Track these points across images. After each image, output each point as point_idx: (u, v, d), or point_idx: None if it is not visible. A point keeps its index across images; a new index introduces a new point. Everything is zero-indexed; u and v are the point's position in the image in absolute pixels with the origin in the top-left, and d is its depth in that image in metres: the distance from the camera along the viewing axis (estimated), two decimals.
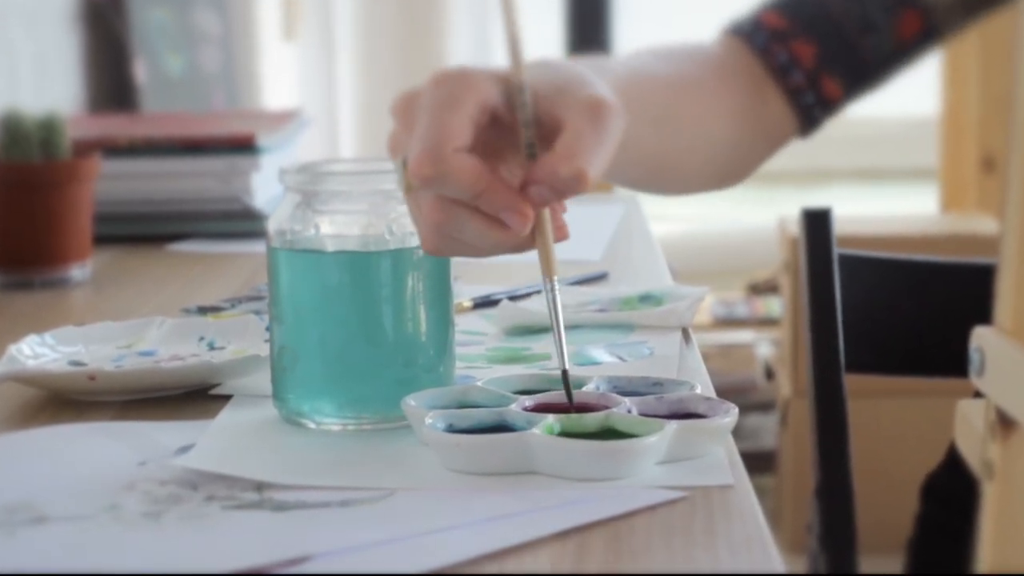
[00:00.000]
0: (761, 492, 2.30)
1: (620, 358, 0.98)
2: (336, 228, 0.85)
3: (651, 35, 3.22)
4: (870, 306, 1.30)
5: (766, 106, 1.03)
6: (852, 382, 1.26)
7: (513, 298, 1.14)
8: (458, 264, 0.89)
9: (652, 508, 0.71)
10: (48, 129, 1.30)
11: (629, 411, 0.80)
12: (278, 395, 0.86)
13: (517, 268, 1.32)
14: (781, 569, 0.64)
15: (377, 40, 2.82)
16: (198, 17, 2.54)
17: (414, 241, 0.85)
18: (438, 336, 0.86)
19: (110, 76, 2.45)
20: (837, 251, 1.28)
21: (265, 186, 1.53)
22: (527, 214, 0.78)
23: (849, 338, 1.26)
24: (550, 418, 0.78)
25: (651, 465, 0.76)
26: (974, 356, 0.60)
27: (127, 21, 2.45)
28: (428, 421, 0.78)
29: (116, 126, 1.63)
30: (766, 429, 2.92)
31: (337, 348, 0.84)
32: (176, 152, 1.51)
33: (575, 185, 0.77)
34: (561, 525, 0.68)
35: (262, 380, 0.90)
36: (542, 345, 1.03)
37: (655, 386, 0.85)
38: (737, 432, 0.80)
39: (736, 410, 0.79)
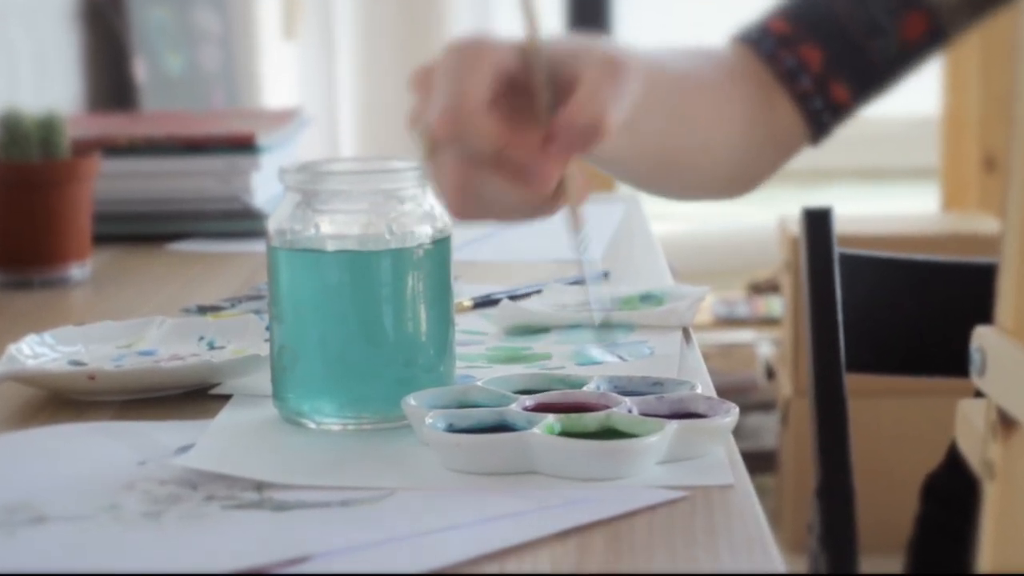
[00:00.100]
0: (762, 492, 2.29)
1: (621, 358, 0.98)
2: (336, 227, 0.85)
3: (651, 32, 3.22)
4: (871, 306, 1.29)
5: (775, 112, 1.02)
6: (853, 382, 1.26)
7: (513, 298, 1.14)
8: (458, 264, 0.89)
9: (653, 508, 0.70)
10: (48, 128, 1.30)
11: (630, 411, 0.80)
12: (278, 395, 0.86)
13: (517, 268, 1.32)
14: (782, 569, 0.64)
15: (377, 39, 2.82)
16: (198, 16, 2.54)
17: (414, 241, 0.85)
18: (438, 336, 0.86)
19: (110, 75, 2.45)
20: (838, 251, 1.28)
21: (265, 185, 1.53)
22: (549, 168, 0.78)
23: (850, 338, 1.26)
24: (550, 418, 0.78)
25: (651, 465, 0.76)
26: (975, 356, 0.60)
27: (127, 20, 2.44)
28: (428, 421, 0.78)
29: (116, 125, 1.63)
30: (767, 429, 2.92)
31: (337, 348, 0.84)
32: (176, 151, 1.51)
33: (593, 134, 0.77)
34: (561, 525, 0.68)
35: (262, 380, 0.90)
36: (542, 345, 1.03)
37: (656, 386, 0.85)
38: (738, 432, 0.80)
39: (737, 410, 0.79)
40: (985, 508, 0.59)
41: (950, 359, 1.07)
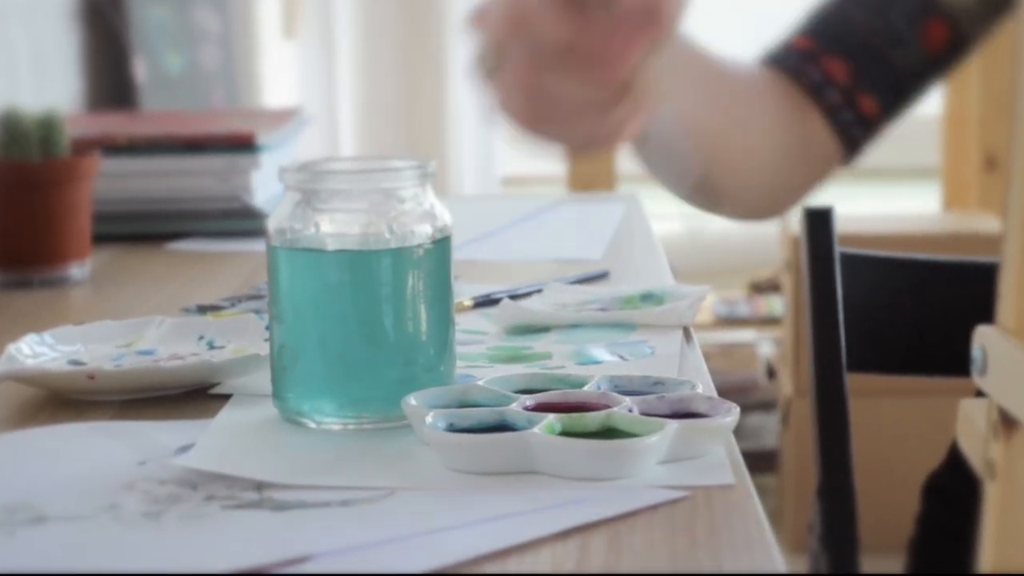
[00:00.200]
0: (762, 492, 2.29)
1: (621, 357, 0.98)
2: (336, 227, 0.85)
3: None
4: (872, 305, 1.29)
5: (807, 126, 1.01)
6: (854, 381, 1.26)
7: (514, 297, 1.14)
8: (459, 263, 0.89)
9: (653, 508, 0.70)
10: (47, 127, 1.30)
11: (630, 410, 0.79)
12: (278, 394, 0.86)
13: (517, 268, 1.32)
14: (782, 569, 0.64)
15: (377, 39, 2.82)
16: (198, 15, 2.54)
17: (414, 240, 0.84)
18: (439, 335, 0.86)
19: (109, 74, 2.45)
20: (839, 250, 1.28)
21: (265, 185, 1.53)
22: (619, 52, 0.76)
23: (851, 337, 1.26)
24: (551, 417, 0.78)
25: (652, 465, 0.75)
26: (976, 355, 0.60)
27: (126, 19, 2.44)
28: (429, 420, 0.78)
29: (115, 124, 1.63)
30: (767, 428, 2.92)
31: (337, 347, 0.84)
32: (176, 151, 1.51)
33: (657, 15, 0.75)
34: (562, 525, 0.68)
35: (262, 379, 0.90)
36: (543, 344, 1.02)
37: (656, 385, 0.85)
38: (738, 431, 0.80)
39: (737, 409, 0.79)
40: (986, 508, 0.59)
41: (951, 359, 1.07)
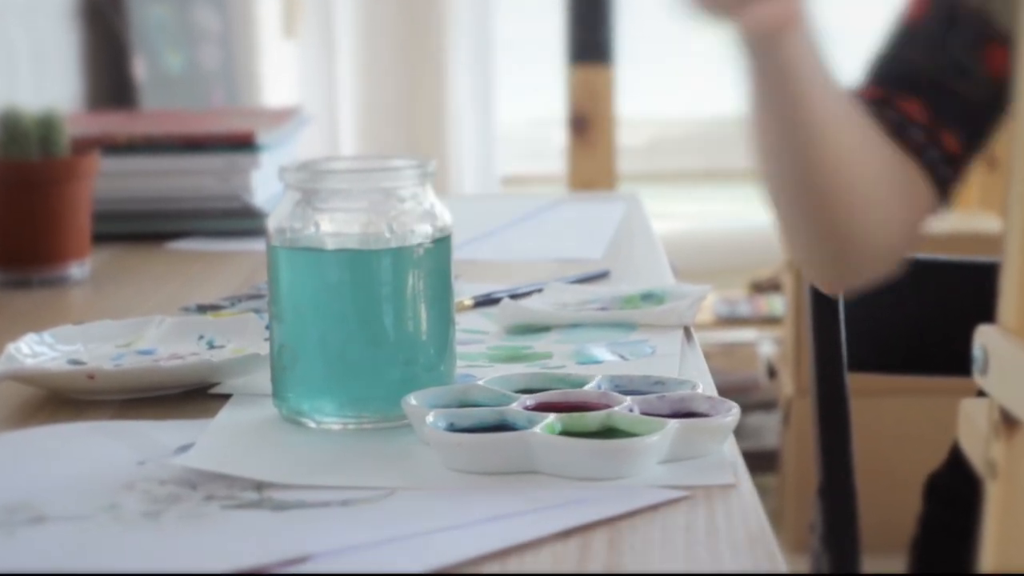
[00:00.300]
0: (763, 491, 2.29)
1: (622, 357, 0.98)
2: (336, 226, 0.84)
3: (652, 35, 3.22)
4: (872, 305, 1.29)
5: (900, 163, 0.99)
6: (854, 381, 1.26)
7: (514, 296, 1.14)
8: (459, 263, 0.89)
9: (654, 507, 0.70)
10: (47, 127, 1.30)
11: (631, 410, 0.79)
12: (278, 394, 0.86)
13: (518, 267, 1.32)
14: (783, 569, 0.64)
15: (377, 38, 2.82)
16: (198, 14, 2.53)
17: (414, 239, 0.84)
18: (439, 335, 0.86)
19: (109, 73, 2.45)
20: None
21: (265, 184, 1.53)
22: None
23: (851, 337, 1.26)
24: (551, 417, 0.77)
25: (653, 464, 0.75)
26: (977, 355, 0.60)
27: (126, 18, 2.44)
28: (429, 420, 0.78)
29: (115, 124, 1.63)
30: (768, 428, 2.92)
31: (337, 347, 0.84)
32: (175, 150, 1.51)
33: None
34: (563, 524, 0.68)
35: (262, 379, 0.89)
36: (543, 344, 1.02)
37: (657, 385, 0.84)
38: (739, 431, 0.80)
39: (738, 409, 0.79)
40: (987, 507, 0.59)
41: (952, 358, 1.07)
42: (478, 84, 2.86)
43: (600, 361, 0.97)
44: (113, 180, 1.47)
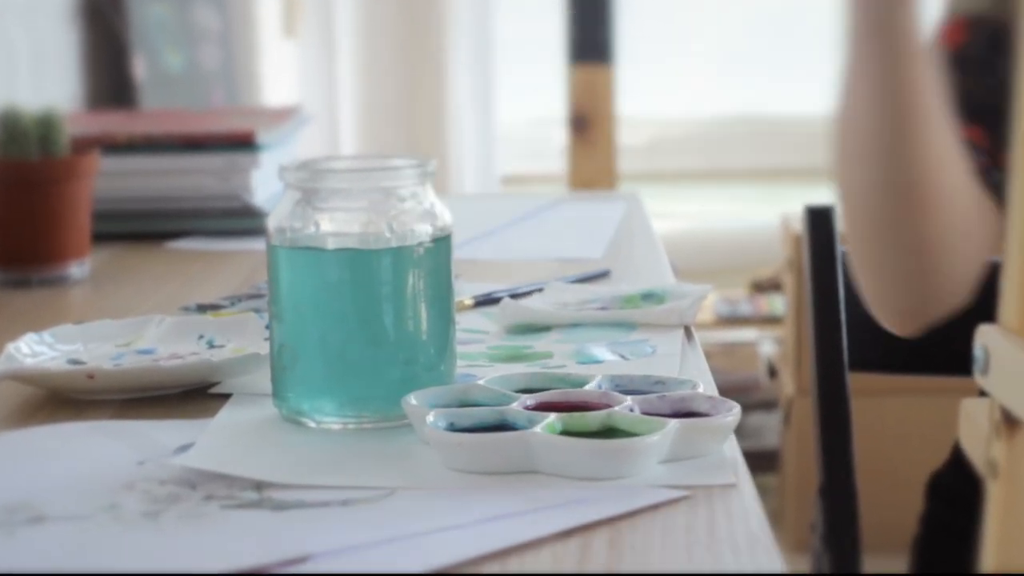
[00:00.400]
0: (764, 491, 2.28)
1: (622, 356, 0.98)
2: (336, 225, 0.84)
3: (652, 34, 3.21)
4: None
5: (972, 178, 0.98)
6: (856, 380, 1.26)
7: (514, 296, 1.13)
8: (459, 262, 0.89)
9: (654, 507, 0.70)
10: (47, 126, 1.30)
11: (631, 410, 0.79)
12: (278, 394, 0.85)
13: (518, 266, 1.32)
14: (784, 569, 0.64)
15: (377, 37, 2.82)
16: (198, 13, 2.53)
17: (414, 239, 0.84)
18: (439, 334, 0.85)
19: (109, 73, 2.45)
20: (841, 248, 1.27)
21: (265, 183, 1.53)
22: None
23: (852, 336, 1.26)
24: (552, 417, 0.77)
25: (653, 464, 0.75)
26: (978, 354, 0.60)
27: (126, 17, 2.44)
28: (429, 420, 0.78)
29: (115, 123, 1.63)
30: (769, 428, 2.92)
31: (337, 346, 0.83)
32: (175, 149, 1.51)
33: None
34: (563, 524, 0.67)
35: (262, 378, 0.89)
36: (544, 343, 1.02)
37: (657, 384, 0.84)
38: (740, 431, 0.80)
39: (739, 409, 0.79)
40: (988, 507, 0.59)
41: (953, 358, 1.07)
42: (478, 83, 2.86)
43: (600, 361, 0.97)
44: (113, 179, 1.47)
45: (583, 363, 0.96)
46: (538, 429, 0.76)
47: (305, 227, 0.84)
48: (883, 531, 1.75)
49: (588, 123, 2.92)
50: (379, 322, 0.84)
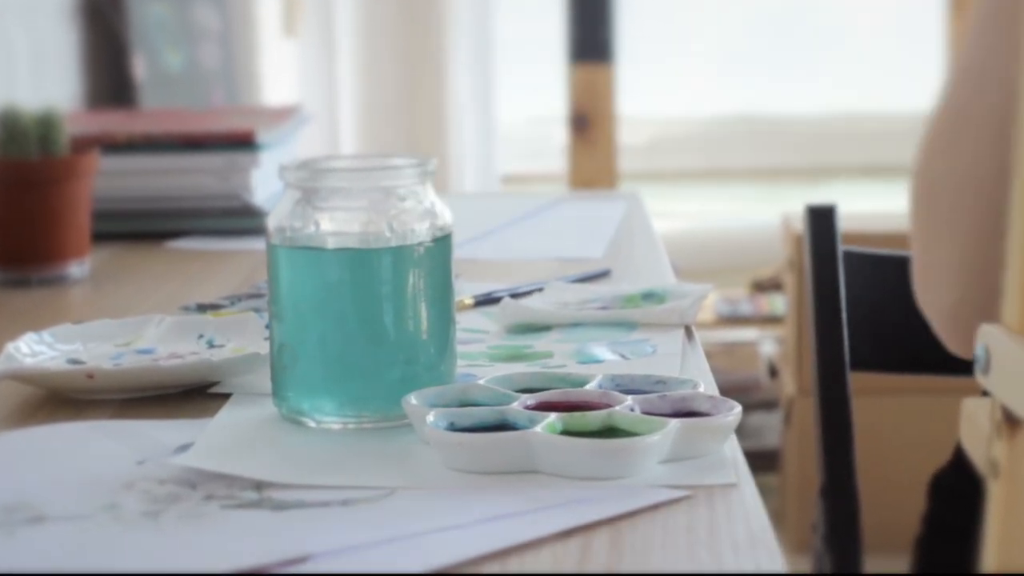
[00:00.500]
0: (765, 491, 2.28)
1: (623, 356, 0.97)
2: (336, 225, 0.84)
3: (652, 34, 3.21)
4: (875, 303, 1.29)
5: None
6: (857, 380, 1.26)
7: (515, 295, 1.13)
8: (459, 262, 0.88)
9: (655, 507, 0.70)
10: (46, 125, 1.30)
11: (632, 409, 0.79)
12: (278, 393, 0.85)
13: (518, 266, 1.32)
14: (785, 569, 0.63)
15: (377, 37, 2.82)
16: (197, 13, 2.53)
17: (415, 238, 0.84)
18: (439, 334, 0.85)
19: (109, 72, 2.45)
20: (841, 248, 1.27)
21: (265, 183, 1.52)
22: None
23: (854, 336, 1.26)
24: (552, 417, 0.77)
25: (654, 464, 0.75)
26: (979, 354, 0.60)
27: (126, 17, 2.44)
28: (429, 419, 0.78)
29: (115, 122, 1.63)
30: (770, 428, 2.92)
31: (338, 346, 0.83)
32: (175, 148, 1.51)
33: None
34: (563, 524, 0.67)
35: (262, 378, 0.89)
36: (544, 343, 1.02)
37: (658, 384, 0.84)
38: (740, 431, 0.79)
39: (739, 408, 0.79)
40: (990, 507, 0.59)
41: (955, 357, 1.07)
42: (478, 83, 2.86)
43: (601, 360, 0.97)
44: (112, 179, 1.47)
45: (583, 363, 0.96)
46: (538, 429, 0.75)
47: (305, 226, 0.84)
48: (884, 531, 1.75)
49: (588, 122, 2.92)
50: (379, 322, 0.83)
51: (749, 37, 3.29)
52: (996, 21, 0.88)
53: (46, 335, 0.99)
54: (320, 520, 0.69)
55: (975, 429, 0.76)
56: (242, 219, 1.50)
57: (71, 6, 2.29)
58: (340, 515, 0.70)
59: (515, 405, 0.80)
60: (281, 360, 0.85)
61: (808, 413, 1.38)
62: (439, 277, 0.85)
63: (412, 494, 0.73)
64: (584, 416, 0.78)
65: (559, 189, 2.94)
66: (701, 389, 0.82)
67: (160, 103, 2.43)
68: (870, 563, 1.25)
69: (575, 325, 1.06)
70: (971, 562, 0.72)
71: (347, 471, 0.76)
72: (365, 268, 0.84)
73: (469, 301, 1.13)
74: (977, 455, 0.73)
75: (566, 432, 0.76)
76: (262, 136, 1.51)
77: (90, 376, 0.90)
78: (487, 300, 1.13)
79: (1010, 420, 0.58)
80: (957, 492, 1.20)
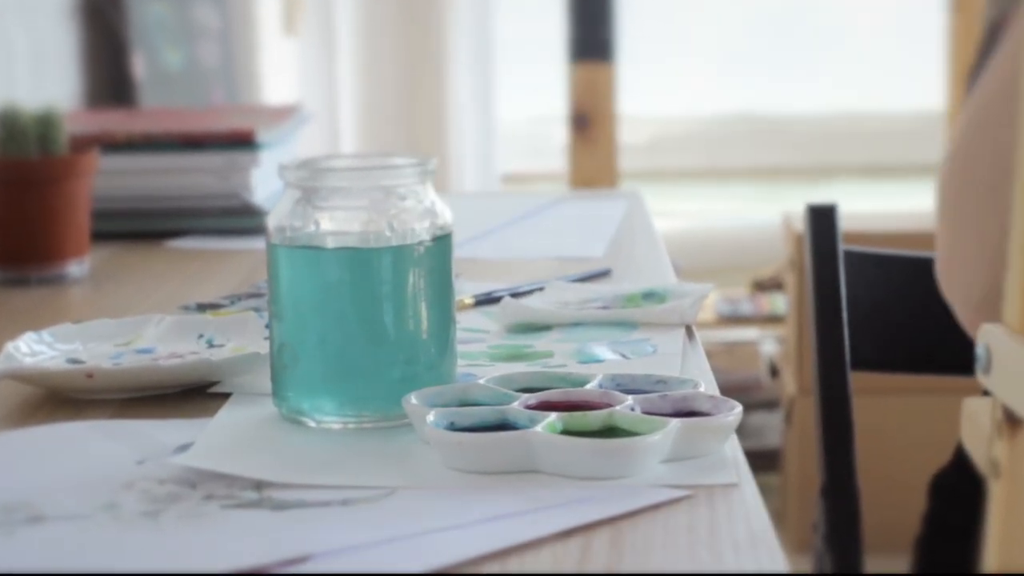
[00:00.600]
0: (765, 491, 2.28)
1: (623, 356, 0.97)
2: (336, 224, 0.84)
3: (653, 33, 3.21)
4: (876, 303, 1.29)
5: None
6: (857, 380, 1.26)
7: (515, 295, 1.13)
8: (459, 261, 0.88)
9: (656, 507, 0.70)
10: (46, 125, 1.29)
11: (632, 409, 0.79)
12: (278, 393, 0.85)
13: (518, 265, 1.32)
14: (786, 569, 0.63)
15: (378, 36, 2.82)
16: (197, 11, 2.53)
17: (415, 237, 0.84)
18: (439, 333, 0.85)
19: (108, 71, 2.45)
20: (842, 247, 1.27)
21: (265, 182, 1.52)
22: None
23: (854, 335, 1.26)
24: (553, 416, 0.77)
25: (654, 463, 0.75)
26: (980, 353, 0.59)
27: (125, 15, 2.44)
28: (430, 419, 0.78)
29: (114, 121, 1.63)
30: (771, 427, 2.92)
31: (338, 345, 0.83)
32: (175, 148, 1.50)
33: None
34: (564, 524, 0.67)
35: (262, 378, 0.89)
36: (544, 342, 1.02)
37: (658, 384, 0.84)
38: (741, 430, 0.79)
39: (740, 408, 0.79)
40: (990, 507, 0.59)
41: (955, 357, 1.07)
42: (478, 82, 2.86)
43: (601, 360, 0.97)
44: (112, 178, 1.47)
45: (584, 362, 0.96)
46: (539, 428, 0.75)
47: (305, 226, 0.84)
48: (885, 531, 1.75)
49: (589, 121, 2.92)
50: (379, 321, 0.83)
51: (749, 36, 3.29)
52: None
53: (45, 335, 0.99)
54: (320, 520, 0.69)
55: (976, 429, 0.75)
56: (242, 218, 1.50)
57: (70, 5, 2.29)
58: (340, 515, 0.70)
59: (515, 405, 0.80)
60: (281, 360, 0.85)
61: (809, 413, 1.38)
62: (439, 276, 0.85)
63: (412, 494, 0.73)
64: (585, 416, 0.78)
65: (559, 188, 2.94)
66: (702, 389, 0.82)
67: (160, 102, 2.43)
68: (871, 563, 1.25)
69: (575, 325, 1.06)
70: (972, 562, 0.72)
71: (347, 471, 0.76)
72: (365, 267, 0.84)
73: (469, 300, 1.13)
74: (978, 455, 0.73)
75: (566, 432, 0.76)
76: (262, 135, 1.51)
77: (90, 376, 0.90)
78: (487, 299, 1.13)
79: (1011, 420, 0.58)
80: (958, 492, 1.20)
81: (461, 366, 0.90)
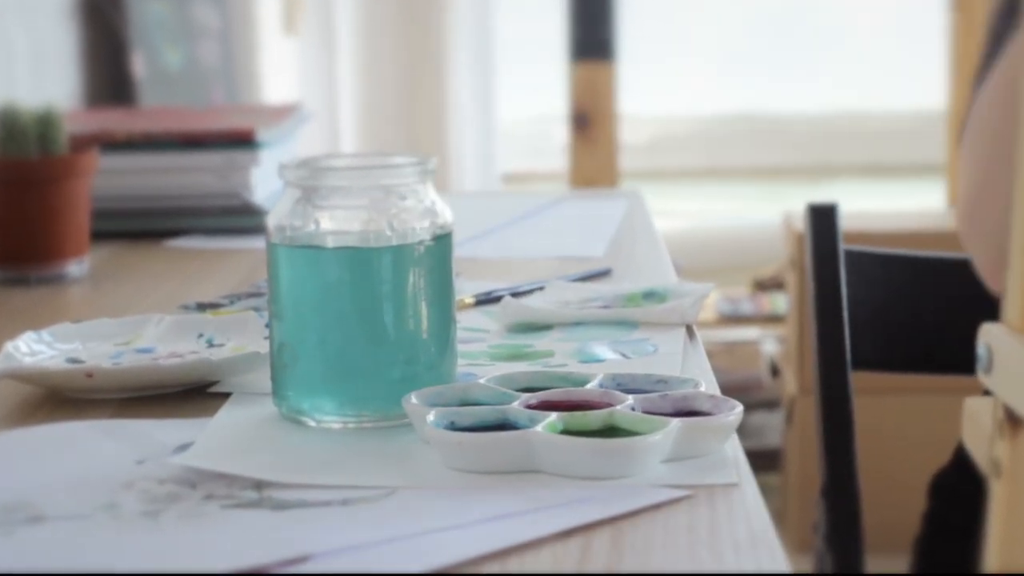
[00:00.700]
0: (766, 491, 2.29)
1: (624, 355, 0.97)
2: (336, 224, 0.84)
3: (653, 32, 3.21)
4: (876, 303, 1.29)
5: None
6: (858, 379, 1.25)
7: (515, 294, 1.13)
8: (460, 260, 0.88)
9: (656, 507, 0.70)
10: (45, 124, 1.29)
11: (633, 409, 0.79)
12: (278, 392, 0.85)
13: (519, 265, 1.32)
14: (786, 568, 0.63)
15: (378, 35, 2.82)
16: (197, 11, 2.53)
17: (415, 237, 0.84)
18: (440, 333, 0.85)
19: (108, 70, 2.45)
20: (843, 247, 1.27)
21: (265, 181, 1.52)
22: None
23: (855, 335, 1.26)
24: (553, 416, 0.77)
25: (655, 463, 0.75)
26: (981, 353, 0.59)
27: (125, 14, 2.44)
28: (430, 419, 0.78)
29: (114, 121, 1.62)
30: (771, 427, 2.91)
31: (338, 345, 0.83)
32: (174, 147, 1.50)
33: None
34: (564, 524, 0.67)
35: (262, 377, 0.89)
36: (545, 342, 1.02)
37: (659, 383, 0.84)
38: (742, 430, 0.79)
39: (741, 408, 0.78)
40: (991, 506, 0.59)
41: (956, 356, 1.07)
42: (479, 81, 2.86)
43: (602, 359, 0.97)
44: (112, 177, 1.47)
45: (584, 362, 0.96)
46: (539, 428, 0.75)
47: (305, 225, 0.84)
48: (886, 531, 1.75)
49: (589, 121, 2.92)
50: (379, 321, 0.83)
51: (750, 36, 3.29)
52: None
53: (45, 334, 0.99)
54: (320, 520, 0.69)
55: (977, 428, 0.75)
56: (242, 218, 1.50)
57: (70, 5, 2.29)
58: (340, 515, 0.70)
59: (516, 404, 0.80)
60: (281, 359, 0.85)
61: (809, 412, 1.38)
62: (439, 276, 0.85)
63: (412, 494, 0.72)
64: (585, 415, 0.78)
65: (560, 188, 2.94)
66: (702, 388, 0.82)
67: (160, 101, 2.43)
68: (871, 563, 1.25)
69: (576, 324, 1.06)
70: (973, 562, 0.72)
71: (347, 471, 0.76)
72: (365, 267, 0.83)
73: (470, 300, 1.13)
74: (979, 455, 0.73)
75: (567, 431, 0.76)
76: (262, 134, 1.51)
77: (89, 375, 0.89)
78: (488, 299, 1.13)
79: (1012, 419, 0.58)
80: (958, 492, 1.20)
81: (461, 366, 0.90)
